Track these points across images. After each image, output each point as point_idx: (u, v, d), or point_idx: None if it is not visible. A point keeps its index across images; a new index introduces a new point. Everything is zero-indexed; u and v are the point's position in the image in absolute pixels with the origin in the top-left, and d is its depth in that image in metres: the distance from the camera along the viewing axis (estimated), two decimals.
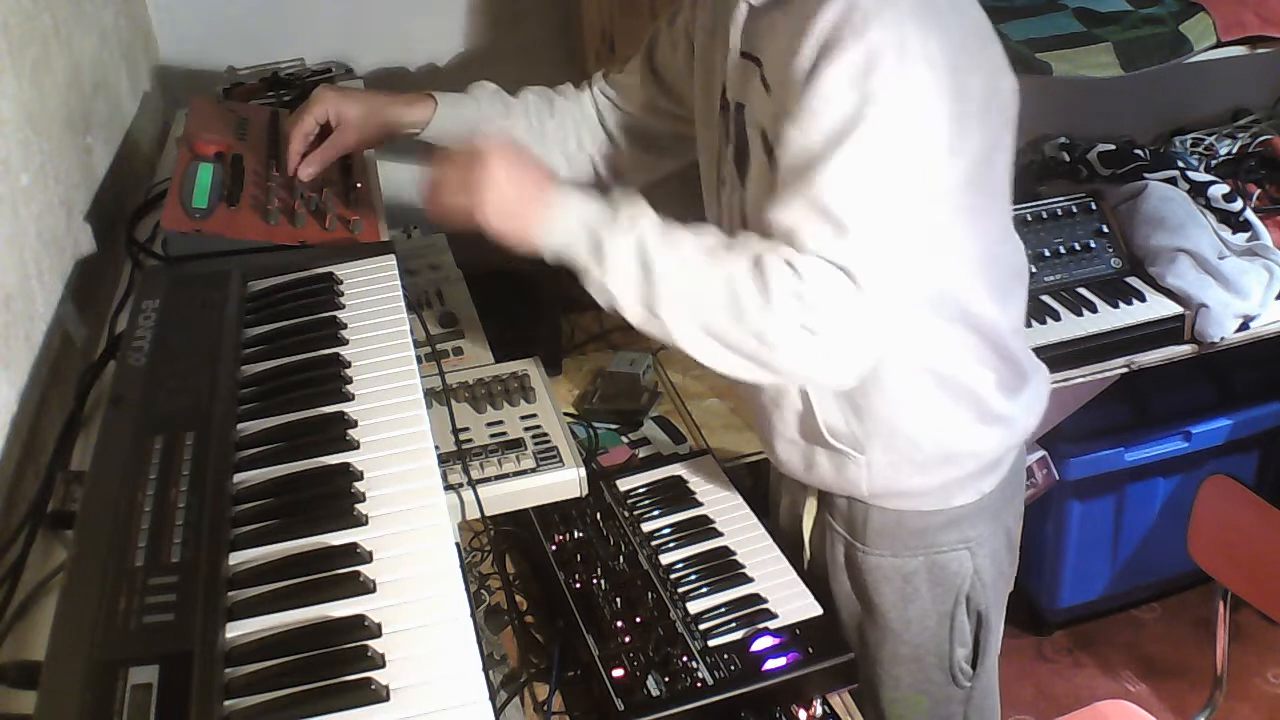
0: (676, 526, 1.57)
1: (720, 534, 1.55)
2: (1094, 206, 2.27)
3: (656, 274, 1.14)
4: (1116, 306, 2.15)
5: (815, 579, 1.50)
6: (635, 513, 1.60)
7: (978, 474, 1.40)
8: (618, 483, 1.67)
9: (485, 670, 0.77)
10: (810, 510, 1.51)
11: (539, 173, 1.20)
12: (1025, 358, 1.42)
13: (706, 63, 1.39)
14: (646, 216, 1.17)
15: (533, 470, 1.35)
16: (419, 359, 1.10)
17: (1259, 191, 2.47)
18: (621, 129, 1.58)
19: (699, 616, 1.41)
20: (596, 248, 1.15)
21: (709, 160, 1.42)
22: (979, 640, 1.48)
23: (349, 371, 1.07)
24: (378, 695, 0.74)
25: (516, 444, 1.38)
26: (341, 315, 1.15)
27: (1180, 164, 2.47)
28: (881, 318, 1.15)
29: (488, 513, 1.31)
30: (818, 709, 1.32)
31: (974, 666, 1.49)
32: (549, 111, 1.56)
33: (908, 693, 1.49)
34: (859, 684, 1.42)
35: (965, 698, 1.50)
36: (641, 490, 1.66)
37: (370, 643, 0.78)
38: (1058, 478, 2.36)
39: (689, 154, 1.55)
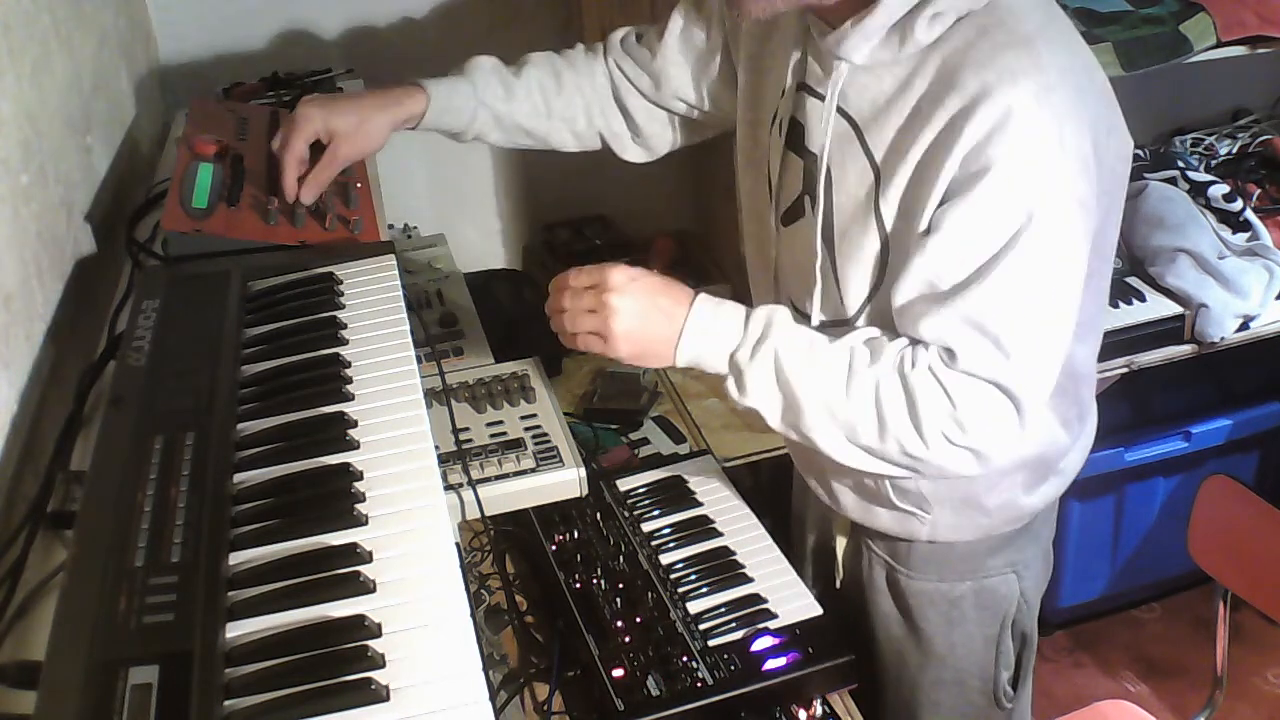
0: (676, 526, 1.57)
1: (720, 534, 1.55)
2: None
3: (798, 397, 1.14)
4: (1116, 306, 2.15)
5: (848, 597, 1.48)
6: (635, 513, 1.60)
7: (1027, 513, 1.39)
8: (618, 483, 1.67)
9: (485, 670, 0.77)
10: (843, 536, 1.48)
11: (668, 296, 1.16)
12: (1090, 403, 1.39)
13: (756, 77, 1.33)
14: (781, 332, 1.15)
15: (533, 470, 1.35)
16: (419, 359, 1.10)
17: (1259, 191, 2.47)
18: (642, 109, 1.49)
19: (699, 616, 1.41)
20: (736, 373, 1.16)
21: (755, 179, 1.36)
22: (1021, 661, 1.46)
23: (349, 371, 1.07)
24: (378, 695, 0.74)
25: (516, 444, 1.38)
26: (341, 315, 1.15)
27: (1180, 164, 2.47)
28: (1034, 423, 1.14)
29: (488, 513, 1.31)
30: (818, 709, 1.32)
31: (1015, 687, 1.46)
32: (555, 88, 1.46)
33: (949, 716, 1.45)
34: (892, 709, 1.40)
35: (1005, 718, 1.48)
36: (641, 490, 1.66)
37: (370, 643, 0.78)
38: None
39: (709, 133, 1.52)
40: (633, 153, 1.53)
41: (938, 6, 1.07)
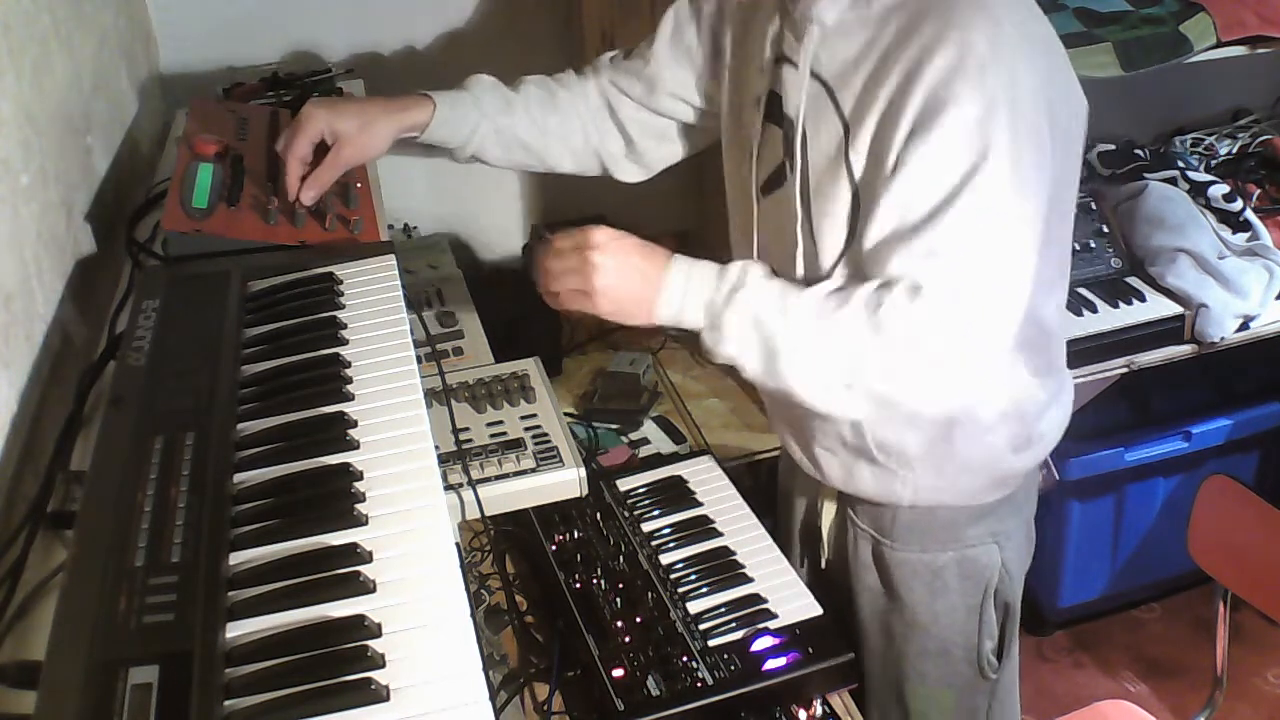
0: (676, 526, 1.57)
1: (720, 534, 1.55)
2: (1094, 206, 2.27)
3: (775, 341, 1.16)
4: (1116, 306, 2.15)
5: (834, 576, 1.50)
6: (635, 513, 1.60)
7: (1010, 477, 1.41)
8: (618, 483, 1.67)
9: (485, 670, 0.77)
10: (829, 510, 1.50)
11: (646, 255, 1.21)
12: (1061, 361, 1.43)
13: (740, 62, 1.38)
14: (755, 281, 1.18)
15: (533, 470, 1.35)
16: (419, 359, 1.10)
17: (1259, 191, 2.47)
18: (636, 122, 1.52)
19: (699, 616, 1.41)
20: (713, 322, 1.18)
21: (738, 161, 1.40)
22: (1004, 631, 1.49)
23: (349, 371, 1.07)
24: (378, 695, 0.74)
25: (516, 444, 1.38)
26: (341, 315, 1.15)
27: (1180, 164, 2.47)
28: (996, 352, 1.17)
29: (488, 513, 1.30)
30: (818, 709, 1.32)
31: (999, 658, 1.49)
32: (551, 106, 1.50)
33: (935, 687, 1.48)
34: (880, 681, 1.42)
35: (990, 689, 1.50)
36: (641, 490, 1.66)
37: (370, 643, 0.78)
38: (1058, 478, 2.36)
39: (700, 143, 1.55)
40: (628, 171, 1.56)
41: None
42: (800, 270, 1.28)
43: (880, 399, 1.17)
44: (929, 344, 1.14)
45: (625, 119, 1.51)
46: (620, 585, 1.46)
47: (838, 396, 1.18)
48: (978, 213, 1.11)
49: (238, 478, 0.93)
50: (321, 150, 1.37)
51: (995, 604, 1.46)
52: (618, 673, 1.33)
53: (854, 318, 1.14)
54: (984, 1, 1.12)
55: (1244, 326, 2.15)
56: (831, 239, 1.24)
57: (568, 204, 2.45)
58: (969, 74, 1.10)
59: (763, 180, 1.34)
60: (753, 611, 1.41)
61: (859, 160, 1.19)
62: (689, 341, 2.17)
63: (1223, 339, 2.12)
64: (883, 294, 1.14)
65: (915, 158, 1.12)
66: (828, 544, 1.52)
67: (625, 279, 1.19)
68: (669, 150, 1.55)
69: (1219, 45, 2.14)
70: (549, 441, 1.39)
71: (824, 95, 1.22)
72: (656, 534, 1.56)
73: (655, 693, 1.30)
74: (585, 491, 1.36)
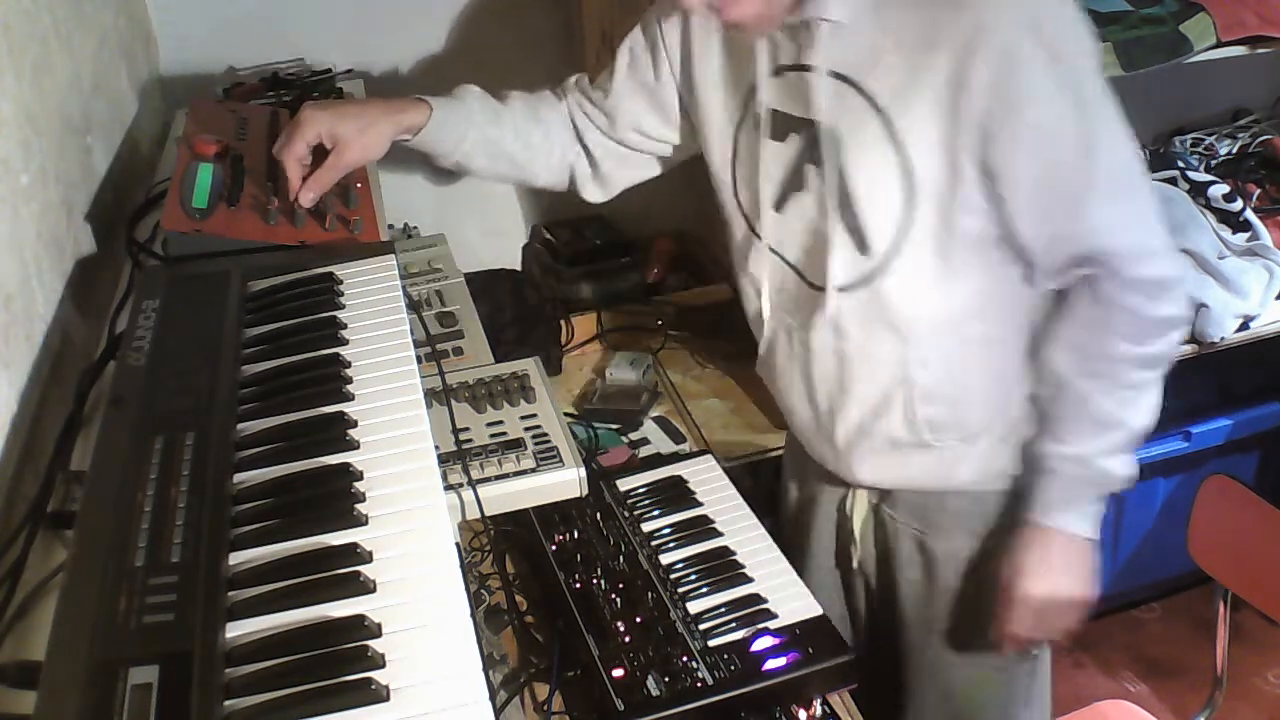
0: (676, 526, 1.57)
1: (720, 534, 1.55)
2: None
3: (1124, 432, 1.31)
4: None
5: (865, 575, 1.51)
6: (635, 513, 1.60)
7: None
8: (618, 483, 1.67)
9: (485, 670, 0.77)
10: (861, 511, 1.51)
11: (1061, 567, 1.34)
12: None
13: (724, 86, 1.38)
14: (1064, 452, 1.31)
15: (533, 470, 1.35)
16: (419, 359, 1.10)
17: (1259, 191, 2.47)
18: (600, 147, 1.54)
19: (699, 616, 1.41)
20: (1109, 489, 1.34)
21: (739, 182, 1.41)
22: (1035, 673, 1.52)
23: (349, 371, 1.07)
24: (378, 695, 0.74)
25: (516, 444, 1.38)
26: (341, 315, 1.15)
27: (1180, 164, 2.47)
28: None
29: (488, 513, 1.30)
30: (817, 709, 1.32)
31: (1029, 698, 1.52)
32: (534, 121, 1.51)
33: (983, 670, 1.50)
34: (922, 673, 1.46)
35: (1031, 669, 1.53)
36: (641, 490, 1.66)
37: (370, 643, 0.78)
38: None
39: (667, 166, 1.56)
40: (593, 192, 1.58)
41: None
42: (837, 268, 1.30)
43: (1164, 354, 1.29)
44: (1173, 316, 1.26)
45: (590, 144, 1.54)
46: (620, 585, 1.46)
47: (1155, 394, 1.30)
48: (1113, 153, 1.19)
49: (238, 478, 0.93)
50: (320, 152, 1.37)
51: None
52: (618, 673, 1.33)
53: (1125, 354, 1.27)
54: None
55: (1244, 326, 2.15)
56: (883, 223, 1.26)
57: (568, 205, 2.43)
58: (1025, 57, 1.13)
59: (774, 196, 1.35)
60: (753, 611, 1.41)
61: (913, 141, 1.21)
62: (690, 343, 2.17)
63: (1223, 339, 2.13)
64: (1095, 293, 1.25)
65: (1021, 144, 1.17)
66: (860, 543, 1.53)
67: (1063, 589, 1.34)
68: (633, 174, 1.57)
69: (1219, 45, 2.14)
70: (549, 441, 1.39)
71: (849, 89, 1.23)
72: (656, 534, 1.56)
73: (655, 693, 1.30)
74: (585, 491, 1.36)
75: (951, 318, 1.30)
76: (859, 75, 1.22)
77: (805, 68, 1.25)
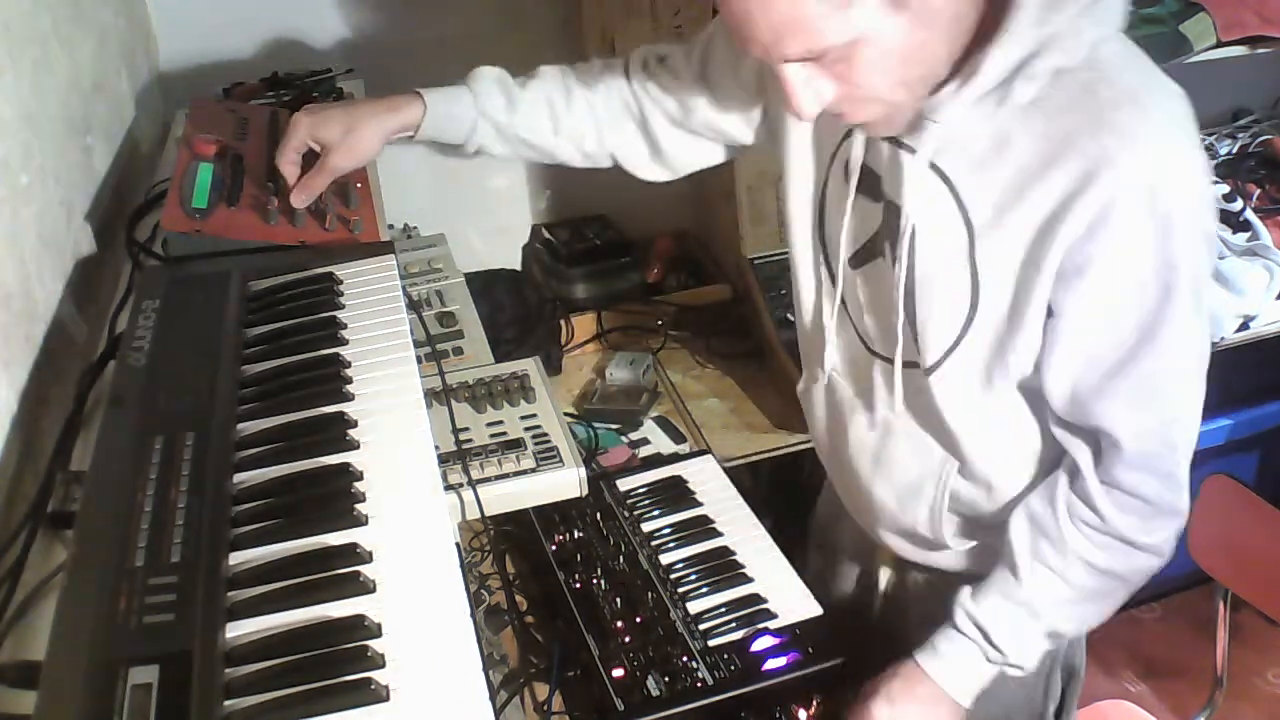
0: (676, 526, 1.57)
1: (720, 534, 1.55)
2: None
3: (1056, 629, 1.24)
4: None
5: (887, 631, 1.48)
6: (635, 513, 1.60)
7: None
8: (618, 483, 1.67)
9: (485, 670, 0.77)
10: (886, 574, 1.48)
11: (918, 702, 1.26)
12: None
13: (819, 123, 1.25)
14: (989, 619, 1.23)
15: (533, 470, 1.35)
16: (419, 359, 1.10)
17: (1259, 191, 2.47)
18: (666, 134, 1.43)
19: (699, 616, 1.41)
20: (1003, 662, 1.25)
21: (812, 221, 1.32)
22: (1067, 693, 1.45)
23: (349, 371, 1.07)
24: (378, 695, 0.74)
25: (516, 444, 1.38)
26: (341, 315, 1.15)
27: None
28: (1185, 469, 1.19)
29: (488, 513, 1.30)
30: (818, 709, 1.32)
31: (1059, 717, 1.46)
32: (565, 104, 1.40)
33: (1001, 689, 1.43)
34: None
35: (1060, 679, 1.46)
36: (641, 490, 1.66)
37: (370, 643, 0.78)
38: None
39: (736, 154, 1.48)
40: (652, 172, 1.47)
41: (1034, 68, 1.04)
42: (898, 354, 1.23)
43: (1142, 566, 1.22)
44: (1150, 518, 1.17)
45: (656, 130, 1.42)
46: (620, 585, 1.46)
47: (1112, 603, 1.25)
48: (1169, 354, 1.09)
49: (238, 478, 0.93)
50: (314, 155, 1.36)
51: (1063, 670, 1.43)
52: (618, 673, 1.33)
53: (1080, 551, 1.19)
54: (1137, 103, 1.04)
55: (1244, 326, 2.15)
56: (938, 338, 1.18)
57: (568, 204, 2.45)
58: (1143, 199, 1.02)
59: (855, 253, 1.26)
60: (753, 611, 1.41)
61: (988, 267, 1.12)
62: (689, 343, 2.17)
63: (1223, 339, 2.12)
64: (1071, 503, 1.18)
65: (1089, 295, 1.07)
66: (883, 598, 1.49)
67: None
68: (698, 159, 1.46)
69: (1219, 45, 2.14)
70: (549, 441, 1.39)
71: (945, 192, 1.12)
72: (656, 534, 1.56)
73: (655, 693, 1.30)
74: (585, 491, 1.36)
75: (992, 433, 1.24)
76: (959, 181, 1.11)
77: (907, 147, 1.13)
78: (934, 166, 1.12)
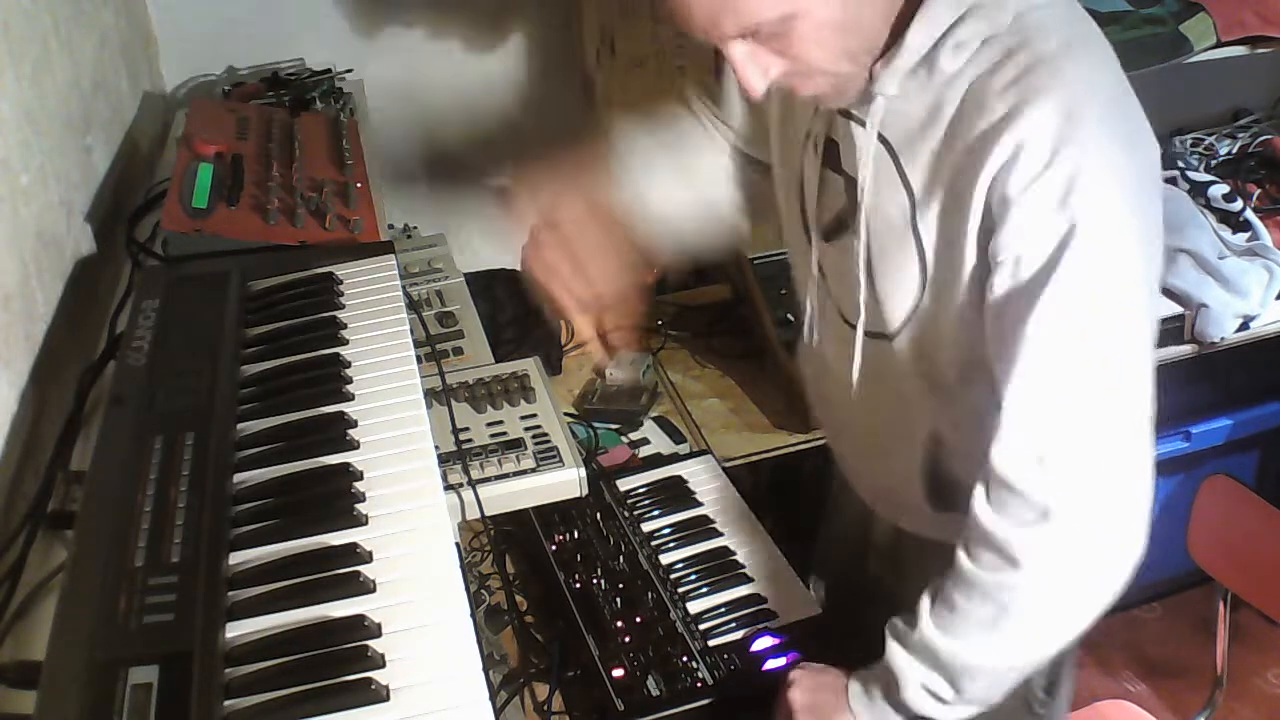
0: (676, 526, 1.57)
1: (720, 534, 1.55)
2: None
3: (958, 671, 1.14)
4: None
5: (879, 590, 1.46)
6: (635, 513, 1.60)
7: None
8: (618, 483, 1.67)
9: (485, 670, 0.77)
10: (881, 533, 1.47)
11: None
12: None
13: (788, 100, 1.31)
14: (903, 669, 1.16)
15: (533, 470, 1.35)
16: (419, 359, 1.10)
17: (1259, 191, 2.47)
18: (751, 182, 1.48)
19: (699, 616, 1.41)
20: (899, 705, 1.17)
21: (793, 200, 1.35)
22: (1058, 668, 1.42)
23: (349, 371, 1.07)
24: (378, 695, 0.74)
25: (516, 444, 1.38)
26: (341, 315, 1.15)
27: (1180, 164, 2.47)
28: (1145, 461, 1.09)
29: (488, 513, 1.30)
30: None
31: (1049, 694, 1.43)
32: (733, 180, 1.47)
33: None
34: None
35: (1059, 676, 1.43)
36: (641, 490, 1.66)
37: (370, 643, 0.78)
38: None
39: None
40: (753, 220, 1.52)
41: (959, 35, 1.07)
42: (862, 322, 1.24)
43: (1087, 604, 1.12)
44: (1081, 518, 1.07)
45: (744, 183, 1.48)
46: (620, 585, 1.46)
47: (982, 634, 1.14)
48: (1055, 315, 1.05)
49: (238, 478, 0.93)
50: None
51: (1043, 689, 1.40)
52: (618, 673, 1.33)
53: (958, 566, 1.12)
54: (1052, 66, 1.04)
55: (1244, 326, 2.15)
56: (897, 305, 1.20)
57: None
58: (1045, 154, 1.03)
59: (826, 225, 1.29)
60: (753, 611, 1.41)
61: (928, 232, 1.14)
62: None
63: (1223, 339, 2.12)
64: (998, 532, 1.08)
65: (1000, 253, 1.07)
66: (874, 561, 1.49)
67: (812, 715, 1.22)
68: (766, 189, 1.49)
69: (1219, 45, 2.14)
70: (549, 441, 1.39)
71: (888, 160, 1.16)
72: (656, 534, 1.56)
73: (655, 693, 1.30)
74: (585, 491, 1.36)
75: (959, 398, 1.23)
76: (900, 147, 1.14)
77: (858, 119, 1.17)
78: (881, 137, 1.16)
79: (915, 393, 1.26)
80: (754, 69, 1.09)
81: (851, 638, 1.34)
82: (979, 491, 1.10)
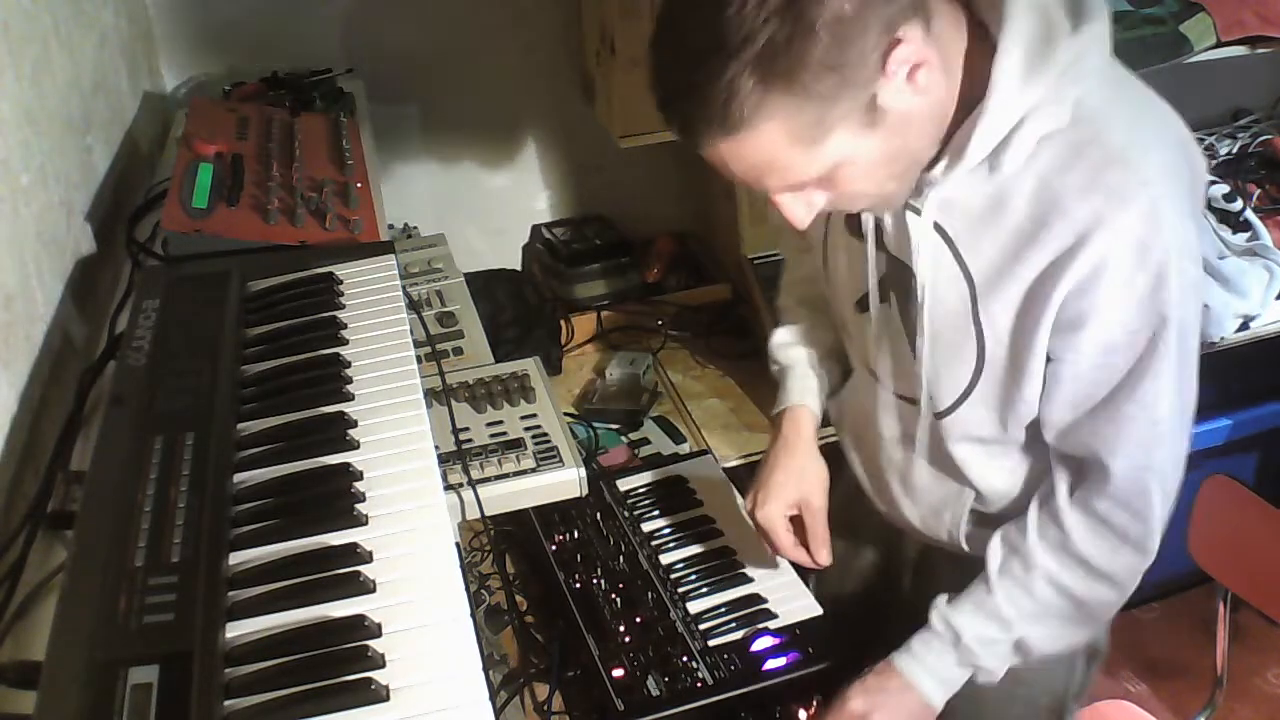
0: (676, 526, 1.57)
1: (720, 534, 1.55)
2: None
3: (1023, 643, 1.26)
4: None
5: (918, 604, 1.46)
6: (635, 513, 1.60)
7: None
8: (618, 483, 1.67)
9: (485, 670, 0.77)
10: (915, 550, 1.50)
11: (894, 695, 1.27)
12: None
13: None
14: (966, 623, 1.25)
15: (533, 470, 1.35)
16: (419, 359, 1.10)
17: (1259, 191, 2.47)
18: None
19: (699, 616, 1.41)
20: (974, 669, 1.27)
21: (834, 261, 1.34)
22: (1088, 673, 1.48)
23: (349, 371, 1.07)
24: (378, 695, 0.74)
25: (516, 444, 1.38)
26: (341, 315, 1.15)
27: None
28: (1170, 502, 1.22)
29: (488, 513, 1.30)
30: (818, 709, 1.32)
31: (1077, 699, 1.48)
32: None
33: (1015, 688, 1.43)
34: None
35: (1072, 683, 1.48)
36: (641, 490, 1.66)
37: (370, 643, 0.78)
38: None
39: None
40: None
41: (1021, 136, 1.05)
42: (926, 398, 1.25)
43: (1110, 598, 1.25)
44: (1130, 535, 1.20)
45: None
46: (620, 585, 1.46)
47: (1075, 628, 1.28)
48: (1156, 401, 1.12)
49: (238, 478, 0.93)
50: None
51: (1088, 653, 1.45)
52: (618, 673, 1.33)
53: (1044, 567, 1.22)
54: (1126, 162, 1.04)
55: (1244, 326, 2.15)
56: (950, 386, 1.22)
57: (568, 204, 2.45)
58: (1134, 255, 1.04)
59: (856, 298, 1.30)
60: (753, 611, 1.41)
61: (990, 322, 1.15)
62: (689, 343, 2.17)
63: (1223, 339, 2.12)
64: (1058, 521, 1.20)
65: (1088, 345, 1.10)
66: (910, 576, 1.51)
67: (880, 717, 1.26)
68: None
69: (1219, 45, 2.14)
70: (549, 441, 1.39)
71: (944, 249, 1.15)
72: (656, 534, 1.56)
73: (655, 693, 1.30)
74: (585, 491, 1.36)
75: (1005, 469, 1.28)
76: (959, 239, 1.13)
77: (913, 208, 1.15)
78: (937, 226, 1.15)
79: (952, 463, 1.29)
80: (800, 206, 1.08)
81: (861, 640, 1.35)
82: (1075, 525, 1.20)
